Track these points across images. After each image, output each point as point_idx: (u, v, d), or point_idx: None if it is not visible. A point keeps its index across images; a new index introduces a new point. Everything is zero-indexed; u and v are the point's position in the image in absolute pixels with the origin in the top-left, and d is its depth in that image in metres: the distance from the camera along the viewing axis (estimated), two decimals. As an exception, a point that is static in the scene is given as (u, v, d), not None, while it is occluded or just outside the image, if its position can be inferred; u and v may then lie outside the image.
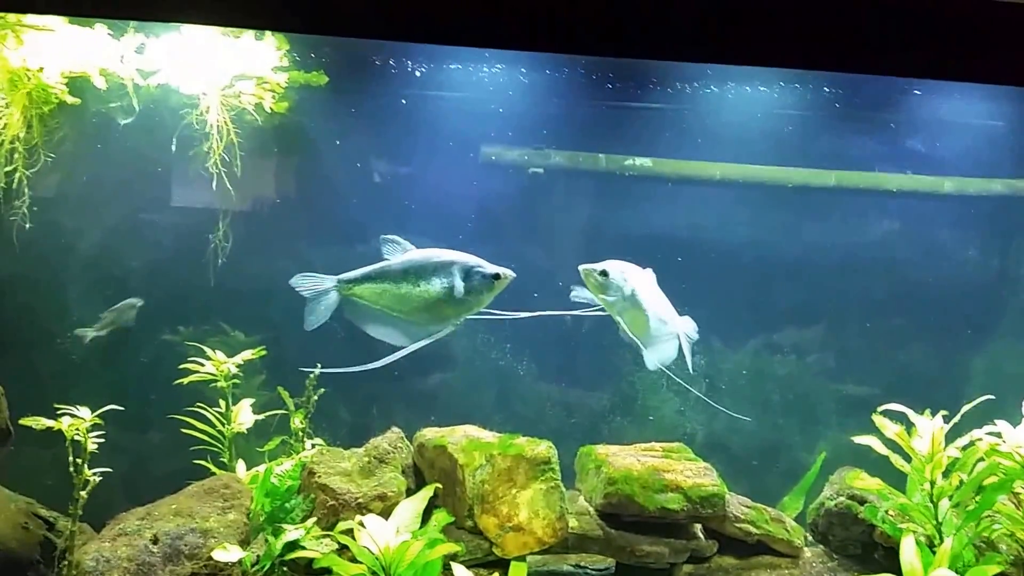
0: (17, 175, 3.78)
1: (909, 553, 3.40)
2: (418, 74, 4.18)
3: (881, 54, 2.86)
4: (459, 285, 3.39)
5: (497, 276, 3.42)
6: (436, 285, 3.40)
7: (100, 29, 3.41)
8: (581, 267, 3.58)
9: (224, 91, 3.83)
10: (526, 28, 2.80)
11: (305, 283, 3.46)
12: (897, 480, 3.73)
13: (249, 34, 3.58)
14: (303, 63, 3.90)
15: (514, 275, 3.47)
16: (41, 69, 3.50)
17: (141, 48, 3.57)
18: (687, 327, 3.77)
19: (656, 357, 3.70)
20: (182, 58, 3.62)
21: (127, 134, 3.91)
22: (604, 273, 3.54)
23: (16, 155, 3.76)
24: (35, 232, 3.91)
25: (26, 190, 3.83)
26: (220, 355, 3.92)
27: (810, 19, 2.80)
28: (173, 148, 3.92)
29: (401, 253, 3.46)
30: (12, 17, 3.27)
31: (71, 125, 3.91)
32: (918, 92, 4.33)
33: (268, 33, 3.60)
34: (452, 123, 4.35)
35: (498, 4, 2.74)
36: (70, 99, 3.69)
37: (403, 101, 4.18)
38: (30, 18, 3.28)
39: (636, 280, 3.59)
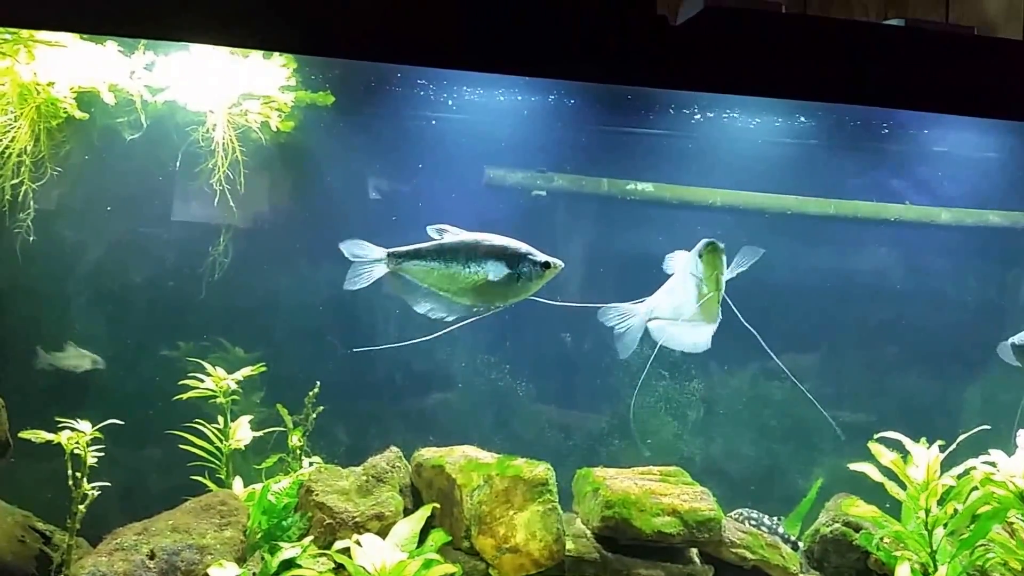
0: (24, 188, 3.81)
1: (904, 581, 3.43)
2: (423, 96, 4.23)
3: (877, 86, 2.92)
4: (509, 271, 3.46)
5: (547, 265, 3.48)
6: (486, 268, 3.46)
7: (111, 46, 3.45)
8: (704, 243, 3.61)
9: (231, 109, 3.87)
10: (531, 52, 2.85)
11: (355, 250, 3.54)
12: (892, 508, 3.75)
13: (257, 54, 3.62)
14: (310, 83, 3.95)
15: (563, 265, 3.54)
16: (52, 83, 3.54)
17: (151, 65, 3.60)
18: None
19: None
20: (191, 76, 3.66)
21: (133, 149, 3.94)
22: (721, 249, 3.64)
23: (23, 168, 3.78)
24: (39, 244, 3.93)
25: (32, 203, 3.85)
26: (220, 371, 3.93)
27: (809, 50, 2.86)
28: (178, 164, 3.96)
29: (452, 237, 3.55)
30: (25, 32, 3.31)
31: (78, 139, 3.94)
32: (915, 123, 4.40)
33: (276, 53, 3.64)
34: (456, 145, 4.40)
35: (501, 29, 2.79)
36: (79, 114, 3.72)
37: (433, 122, 4.23)
38: (43, 33, 3.32)
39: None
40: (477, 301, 3.52)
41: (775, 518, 4.18)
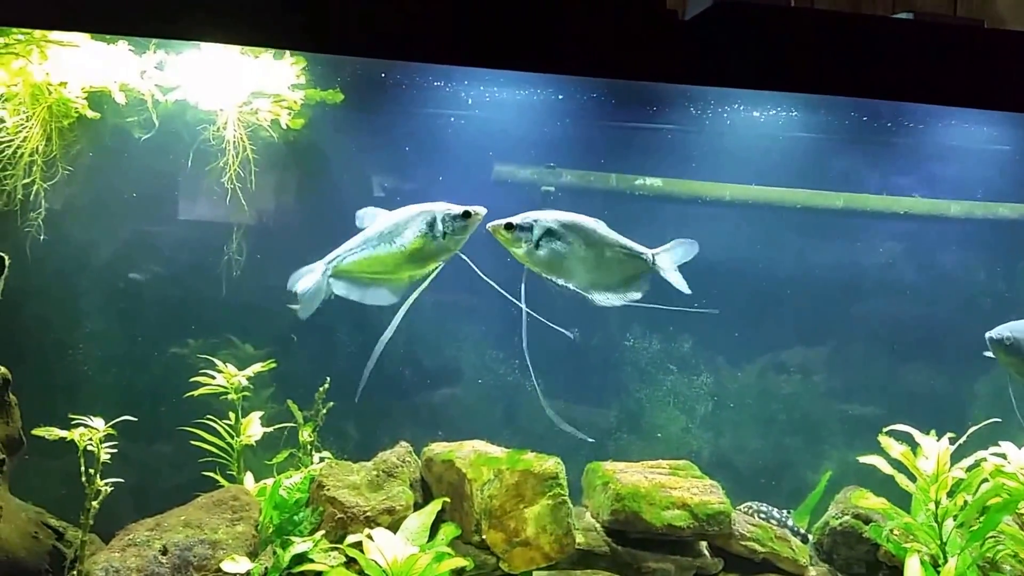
0: (35, 187, 3.83)
1: (913, 573, 3.44)
2: (431, 93, 4.25)
3: (886, 79, 2.93)
4: (430, 231, 3.46)
5: (468, 214, 3.48)
6: (409, 237, 3.47)
7: (122, 45, 3.47)
8: (489, 226, 3.60)
9: (241, 108, 3.89)
10: (539, 49, 2.86)
11: (302, 277, 3.61)
12: (902, 500, 3.76)
13: (267, 52, 3.64)
14: (321, 80, 3.97)
15: (485, 211, 3.53)
16: (64, 84, 3.56)
17: (161, 65, 3.62)
18: (667, 260, 3.73)
19: (611, 296, 3.68)
20: (201, 75, 3.67)
21: (144, 148, 3.96)
22: (509, 226, 3.57)
23: (35, 168, 3.80)
24: (50, 243, 3.95)
25: (43, 202, 3.87)
26: (231, 368, 3.95)
27: (817, 44, 2.87)
28: (189, 163, 3.98)
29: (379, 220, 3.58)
30: (37, 33, 3.33)
31: (89, 138, 3.96)
32: (928, 116, 4.40)
33: (286, 52, 3.65)
34: (465, 142, 4.41)
35: (507, 28, 2.81)
36: (90, 113, 3.74)
37: (452, 119, 4.23)
38: (55, 34, 3.34)
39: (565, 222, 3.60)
40: (416, 271, 3.54)
41: (784, 511, 4.19)
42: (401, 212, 3.57)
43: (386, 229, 3.54)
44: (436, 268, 3.59)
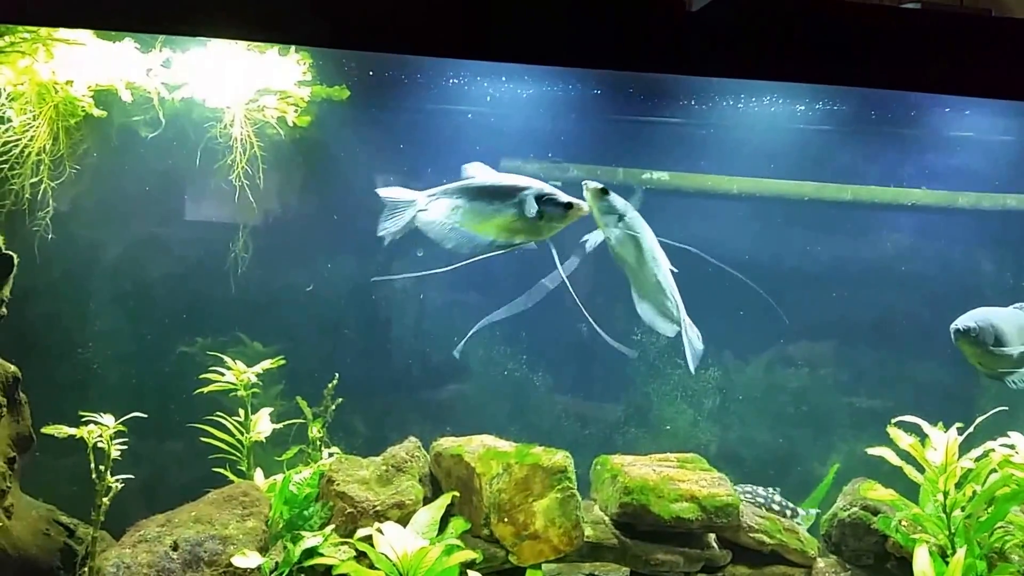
0: (43, 186, 3.84)
1: (922, 563, 3.44)
2: (437, 88, 4.25)
3: (894, 69, 2.93)
4: (530, 209, 3.40)
5: (570, 205, 3.43)
6: (508, 206, 3.44)
7: (128, 43, 3.47)
8: (586, 181, 3.60)
9: (248, 105, 3.89)
10: (546, 41, 2.86)
11: (390, 195, 3.59)
12: (910, 491, 3.76)
13: (273, 49, 3.64)
14: (325, 78, 3.97)
15: (587, 209, 3.51)
16: (70, 82, 3.56)
17: (168, 62, 3.63)
18: (693, 330, 3.77)
19: (654, 317, 3.72)
20: (207, 72, 3.68)
21: (151, 147, 3.97)
22: (604, 191, 3.59)
23: (42, 167, 3.81)
24: (58, 242, 3.96)
25: (51, 201, 3.88)
26: (240, 365, 3.96)
27: (825, 34, 2.87)
28: (196, 161, 3.99)
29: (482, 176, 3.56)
30: (43, 31, 3.34)
31: (96, 137, 3.97)
32: (937, 107, 4.39)
33: (292, 48, 3.66)
34: (471, 137, 4.41)
35: (513, 20, 2.81)
36: (97, 112, 3.75)
37: (469, 116, 4.21)
38: (61, 32, 3.35)
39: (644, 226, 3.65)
40: (500, 236, 3.50)
41: (770, 489, 4.19)
42: (508, 177, 3.55)
43: (488, 186, 3.50)
44: (519, 245, 3.55)
